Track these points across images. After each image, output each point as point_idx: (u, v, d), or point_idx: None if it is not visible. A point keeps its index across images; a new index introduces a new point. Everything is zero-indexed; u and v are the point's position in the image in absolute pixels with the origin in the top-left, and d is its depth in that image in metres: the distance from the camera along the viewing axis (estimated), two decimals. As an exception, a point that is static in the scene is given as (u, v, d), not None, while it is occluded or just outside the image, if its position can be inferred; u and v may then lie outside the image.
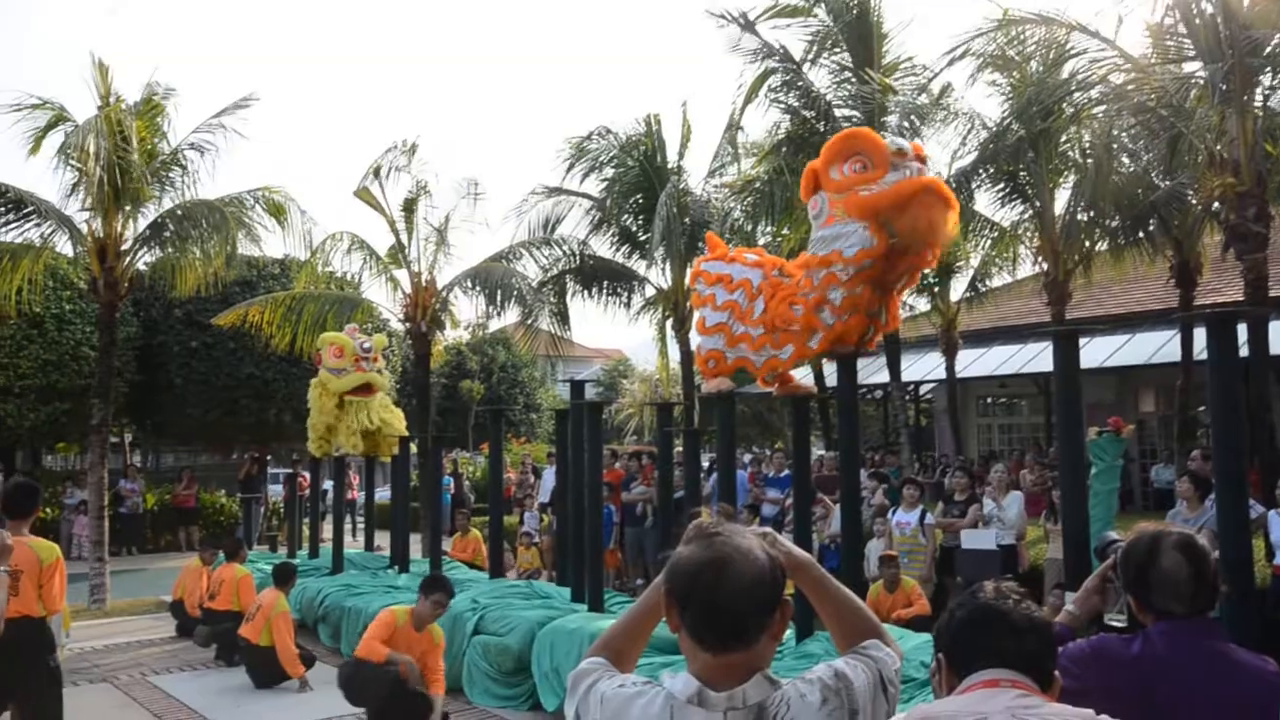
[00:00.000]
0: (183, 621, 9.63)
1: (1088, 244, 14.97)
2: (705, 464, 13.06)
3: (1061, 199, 14.82)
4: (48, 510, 15.54)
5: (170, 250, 12.35)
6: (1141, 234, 14.60)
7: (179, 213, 12.20)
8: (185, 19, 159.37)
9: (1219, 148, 10.20)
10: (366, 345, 10.81)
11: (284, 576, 8.04)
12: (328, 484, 14.78)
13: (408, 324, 14.79)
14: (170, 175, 12.49)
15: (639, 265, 16.98)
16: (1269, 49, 9.98)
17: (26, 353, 16.11)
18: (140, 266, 13.13)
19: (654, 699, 1.67)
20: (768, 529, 1.90)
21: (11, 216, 11.67)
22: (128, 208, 11.92)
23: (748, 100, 15.05)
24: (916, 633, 6.03)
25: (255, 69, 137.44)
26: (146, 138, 12.28)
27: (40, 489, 5.36)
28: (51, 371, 16.33)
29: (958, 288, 18.04)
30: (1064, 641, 2.45)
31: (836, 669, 1.73)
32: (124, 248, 12.01)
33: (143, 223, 12.21)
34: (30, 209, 11.63)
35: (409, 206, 14.57)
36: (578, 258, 16.49)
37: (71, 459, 22.65)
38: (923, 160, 5.42)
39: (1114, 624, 2.65)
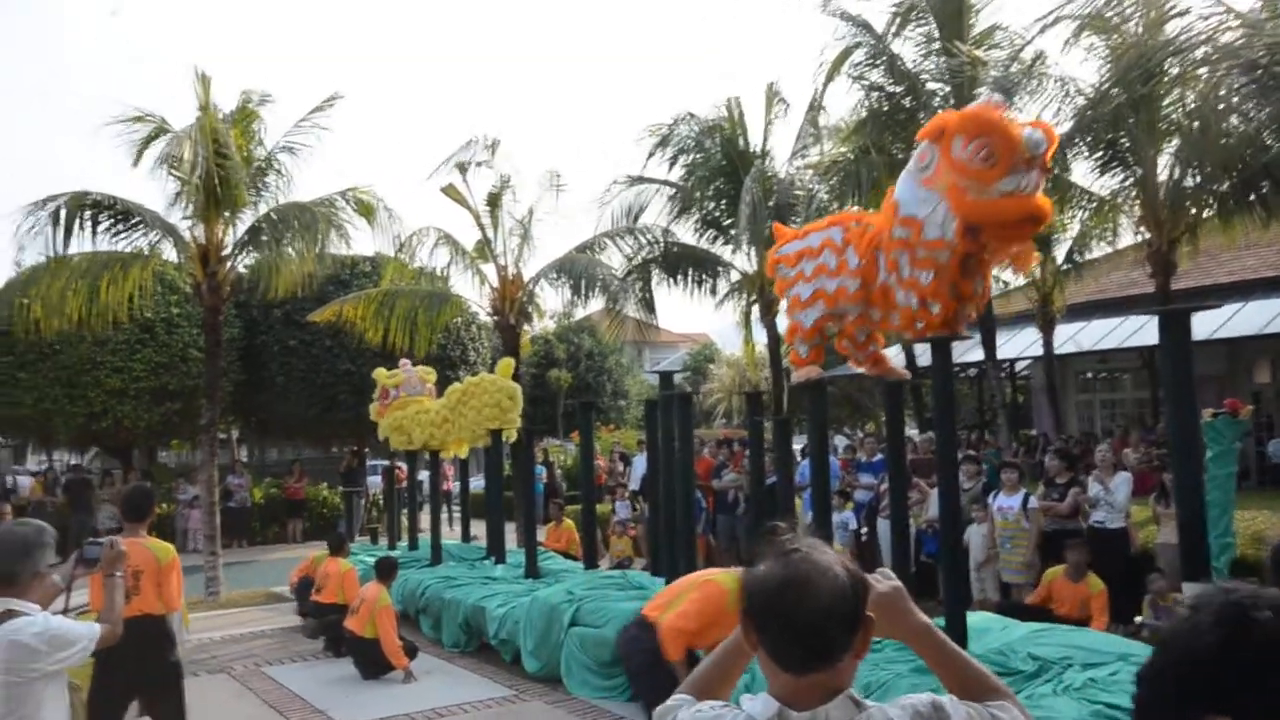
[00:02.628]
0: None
1: (1194, 211, 14.27)
2: (797, 449, 12.94)
3: (1164, 165, 14.16)
4: (163, 505, 16.29)
5: (267, 252, 12.76)
6: (1252, 197, 13.85)
7: (274, 216, 12.59)
8: (258, 21, 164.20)
9: (1338, 104, 9.59)
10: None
11: (386, 570, 8.26)
12: (424, 475, 15.11)
13: (496, 317, 14.95)
14: (265, 180, 12.91)
15: (723, 250, 16.88)
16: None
17: (140, 356, 16.88)
18: (240, 269, 13.61)
19: None
20: (895, 586, 1.77)
21: (120, 227, 12.20)
22: (227, 214, 12.36)
23: (829, 78, 14.78)
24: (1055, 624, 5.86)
25: (335, 67, 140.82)
26: (243, 145, 12.69)
27: (154, 492, 5.58)
28: (163, 373, 17.08)
29: (1055, 260, 17.43)
30: None
31: (936, 701, 1.64)
32: (224, 252, 12.48)
33: (241, 228, 12.66)
34: (138, 219, 12.14)
35: (493, 201, 14.70)
36: (661, 245, 16.47)
37: (183, 454, 23.67)
38: (1046, 168, 5.17)
39: None
